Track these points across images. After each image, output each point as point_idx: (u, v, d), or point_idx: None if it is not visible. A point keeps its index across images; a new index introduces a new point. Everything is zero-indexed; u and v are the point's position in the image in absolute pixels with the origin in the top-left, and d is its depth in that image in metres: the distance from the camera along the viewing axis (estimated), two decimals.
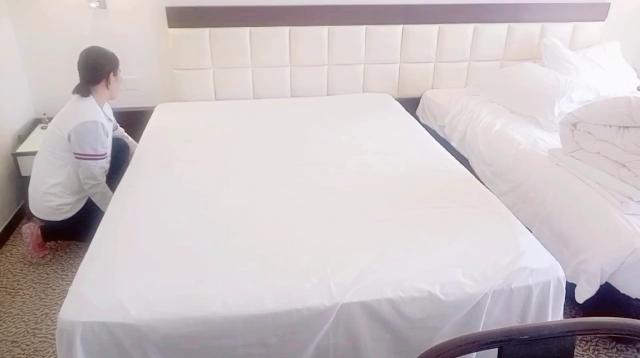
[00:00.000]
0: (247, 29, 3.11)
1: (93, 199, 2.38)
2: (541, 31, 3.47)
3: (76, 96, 2.30)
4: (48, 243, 2.51)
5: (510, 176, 2.47)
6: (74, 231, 2.42)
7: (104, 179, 2.38)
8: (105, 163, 2.38)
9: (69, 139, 2.24)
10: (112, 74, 2.33)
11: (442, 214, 1.87)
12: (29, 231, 2.39)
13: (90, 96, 2.29)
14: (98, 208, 2.36)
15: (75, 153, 2.27)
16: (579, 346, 2.02)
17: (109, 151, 2.41)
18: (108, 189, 2.36)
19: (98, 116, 2.29)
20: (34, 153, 2.63)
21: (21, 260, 2.48)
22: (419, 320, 1.51)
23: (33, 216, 2.42)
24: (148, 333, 1.38)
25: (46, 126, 2.96)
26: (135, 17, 3.02)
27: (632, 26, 3.76)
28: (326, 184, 2.08)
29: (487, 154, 2.70)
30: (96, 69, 2.27)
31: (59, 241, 2.59)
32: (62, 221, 2.38)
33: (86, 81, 2.28)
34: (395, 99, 3.32)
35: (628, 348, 2.01)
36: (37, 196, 2.34)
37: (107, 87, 2.34)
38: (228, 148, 2.44)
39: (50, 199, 2.32)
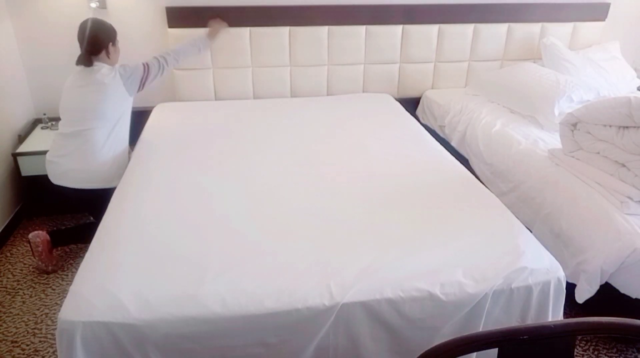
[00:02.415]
0: (247, 29, 3.11)
1: (183, 56, 2.66)
2: (541, 31, 3.47)
3: (81, 67, 2.34)
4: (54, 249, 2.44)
5: (510, 176, 2.47)
6: (100, 205, 2.22)
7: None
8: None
9: (122, 77, 2.35)
10: (111, 44, 2.39)
11: (442, 215, 1.87)
12: (38, 239, 2.30)
13: (97, 63, 2.35)
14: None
15: (140, 71, 2.42)
16: (579, 346, 2.02)
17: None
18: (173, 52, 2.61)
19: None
20: (34, 153, 2.65)
21: (21, 260, 2.48)
22: (419, 320, 1.51)
23: (68, 188, 2.37)
24: (148, 333, 1.38)
25: (46, 126, 2.98)
26: (135, 17, 3.02)
27: (632, 26, 3.76)
28: (326, 184, 2.08)
29: (487, 154, 2.70)
30: (96, 41, 2.33)
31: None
32: (98, 191, 2.35)
33: (88, 51, 2.33)
34: (395, 99, 3.32)
35: (628, 348, 2.01)
36: (95, 165, 2.35)
37: (108, 57, 2.40)
38: (227, 148, 2.43)
39: (106, 162, 2.38)
